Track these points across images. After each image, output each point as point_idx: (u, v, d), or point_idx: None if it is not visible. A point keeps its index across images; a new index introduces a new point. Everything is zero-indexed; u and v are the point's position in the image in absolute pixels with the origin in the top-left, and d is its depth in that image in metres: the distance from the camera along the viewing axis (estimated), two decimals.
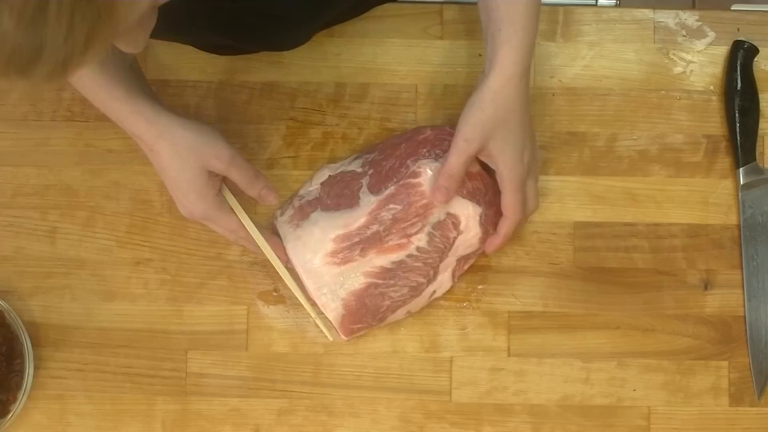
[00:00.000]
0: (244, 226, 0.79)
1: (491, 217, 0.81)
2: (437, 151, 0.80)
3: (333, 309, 0.80)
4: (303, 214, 0.82)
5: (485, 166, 0.79)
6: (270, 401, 0.85)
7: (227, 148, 0.76)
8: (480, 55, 0.87)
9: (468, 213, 0.80)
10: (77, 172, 0.87)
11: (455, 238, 0.80)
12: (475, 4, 0.88)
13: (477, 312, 0.85)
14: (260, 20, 0.78)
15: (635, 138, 0.87)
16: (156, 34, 0.63)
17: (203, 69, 0.88)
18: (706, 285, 0.86)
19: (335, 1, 0.82)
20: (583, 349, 0.85)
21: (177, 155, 0.75)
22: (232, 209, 0.79)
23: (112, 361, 0.85)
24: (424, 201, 0.79)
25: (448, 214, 0.80)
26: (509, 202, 0.78)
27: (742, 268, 0.86)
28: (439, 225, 0.80)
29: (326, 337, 0.84)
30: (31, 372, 0.83)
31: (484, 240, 0.81)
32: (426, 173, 0.79)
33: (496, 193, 0.79)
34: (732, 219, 0.86)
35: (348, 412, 0.85)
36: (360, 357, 0.85)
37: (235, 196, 0.79)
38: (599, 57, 0.88)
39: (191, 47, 0.87)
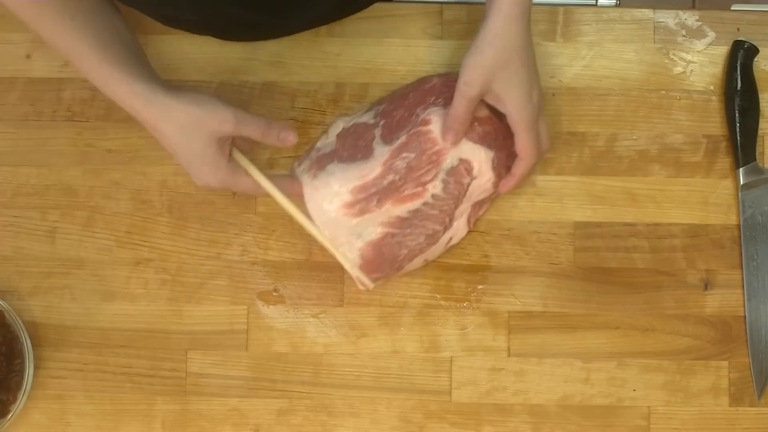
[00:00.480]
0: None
1: (503, 161, 0.81)
2: (445, 98, 0.80)
3: (350, 259, 0.80)
4: (320, 165, 0.81)
5: (496, 111, 0.79)
6: (270, 401, 0.85)
7: (229, 110, 0.74)
8: None
9: (480, 158, 0.80)
10: (77, 172, 0.87)
11: (469, 183, 0.80)
12: (475, 4, 0.88)
13: (477, 312, 0.85)
14: None
15: (635, 138, 0.87)
16: (167, 3, 0.60)
17: (203, 69, 0.88)
18: (706, 285, 0.86)
19: None
20: (583, 349, 0.85)
21: (182, 132, 0.74)
22: (246, 171, 0.78)
23: (112, 361, 0.85)
24: (436, 147, 0.79)
25: (461, 160, 0.80)
26: (524, 142, 0.77)
27: (742, 268, 0.86)
28: (452, 171, 0.80)
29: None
30: (31, 372, 0.83)
31: (497, 184, 0.81)
32: (435, 120, 0.79)
33: (507, 136, 0.79)
34: (732, 219, 0.86)
35: (348, 412, 0.85)
36: (360, 357, 0.85)
37: (246, 154, 0.78)
38: (599, 57, 0.88)
39: (191, 47, 0.87)
